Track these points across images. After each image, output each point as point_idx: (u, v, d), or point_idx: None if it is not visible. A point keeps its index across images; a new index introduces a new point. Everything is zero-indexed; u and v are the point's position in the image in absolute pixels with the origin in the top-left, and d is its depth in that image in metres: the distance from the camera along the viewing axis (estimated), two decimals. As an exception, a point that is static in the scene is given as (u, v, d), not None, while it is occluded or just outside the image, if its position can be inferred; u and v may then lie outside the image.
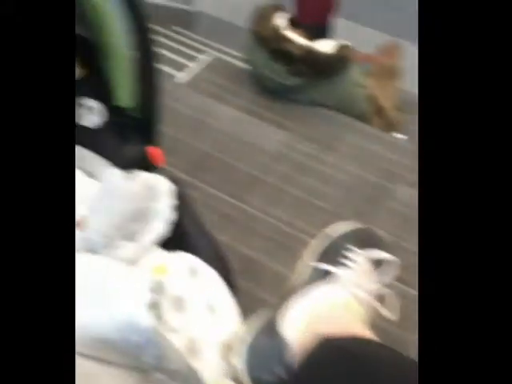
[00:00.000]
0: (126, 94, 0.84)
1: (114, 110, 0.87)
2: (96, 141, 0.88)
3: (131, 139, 0.88)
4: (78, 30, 0.75)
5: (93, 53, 0.84)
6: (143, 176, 0.80)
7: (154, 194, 0.77)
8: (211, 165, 1.36)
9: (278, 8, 1.62)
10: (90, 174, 0.88)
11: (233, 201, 1.18)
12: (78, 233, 0.77)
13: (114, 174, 0.77)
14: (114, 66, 0.82)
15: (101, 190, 0.77)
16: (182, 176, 1.21)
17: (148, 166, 0.88)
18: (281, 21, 1.59)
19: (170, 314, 0.68)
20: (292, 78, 1.59)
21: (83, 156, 0.88)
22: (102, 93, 0.87)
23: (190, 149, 1.43)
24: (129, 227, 0.76)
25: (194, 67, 1.92)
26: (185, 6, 2.39)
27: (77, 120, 0.87)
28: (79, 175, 0.88)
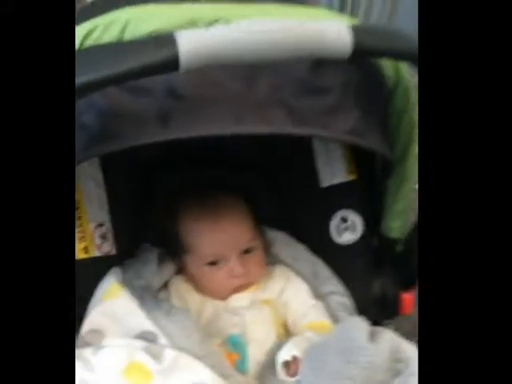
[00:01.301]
0: (399, 226, 0.66)
1: (374, 233, 0.71)
2: (343, 259, 0.73)
3: (384, 272, 0.71)
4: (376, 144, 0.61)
5: (374, 164, 0.69)
6: (390, 338, 0.61)
7: (399, 369, 0.59)
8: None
9: None
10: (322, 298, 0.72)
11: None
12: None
13: (359, 330, 0.59)
14: (397, 191, 0.65)
15: (334, 341, 0.60)
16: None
17: (394, 310, 0.70)
18: None
19: None
20: None
21: (324, 276, 0.73)
22: (367, 210, 0.72)
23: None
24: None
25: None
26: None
27: (331, 232, 0.73)
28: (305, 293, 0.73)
